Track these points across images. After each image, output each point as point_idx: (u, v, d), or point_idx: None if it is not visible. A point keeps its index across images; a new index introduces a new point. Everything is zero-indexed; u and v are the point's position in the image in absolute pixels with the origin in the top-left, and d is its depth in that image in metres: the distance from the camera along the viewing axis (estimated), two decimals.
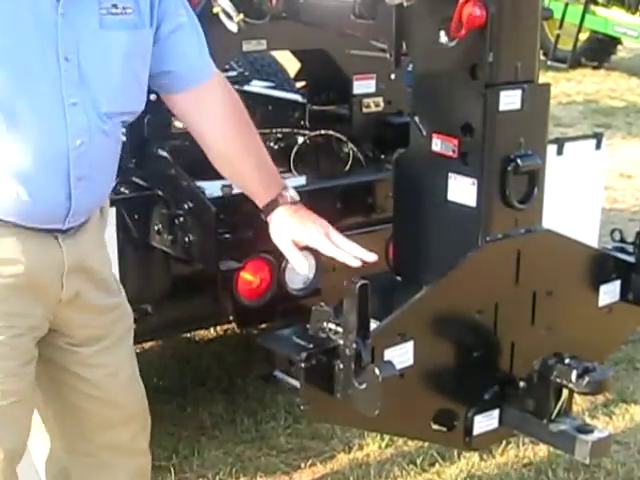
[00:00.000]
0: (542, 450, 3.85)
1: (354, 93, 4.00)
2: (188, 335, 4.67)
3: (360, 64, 3.89)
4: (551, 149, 3.84)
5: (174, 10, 2.36)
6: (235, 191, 3.33)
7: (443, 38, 2.39)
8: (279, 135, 4.01)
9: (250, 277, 3.39)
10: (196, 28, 2.44)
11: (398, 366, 2.27)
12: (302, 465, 3.82)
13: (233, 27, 3.34)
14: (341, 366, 2.24)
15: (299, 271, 2.44)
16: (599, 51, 12.86)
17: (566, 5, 12.08)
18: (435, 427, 2.55)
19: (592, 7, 12.27)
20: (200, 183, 3.40)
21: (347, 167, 3.94)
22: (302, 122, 4.15)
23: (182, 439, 3.95)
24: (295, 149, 3.89)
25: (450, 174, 2.51)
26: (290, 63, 5.59)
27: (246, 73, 5.37)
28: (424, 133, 2.57)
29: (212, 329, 4.76)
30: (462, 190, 2.49)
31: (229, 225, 3.34)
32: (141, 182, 3.53)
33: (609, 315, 2.78)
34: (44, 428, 2.56)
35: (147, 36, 2.32)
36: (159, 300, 3.54)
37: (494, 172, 2.46)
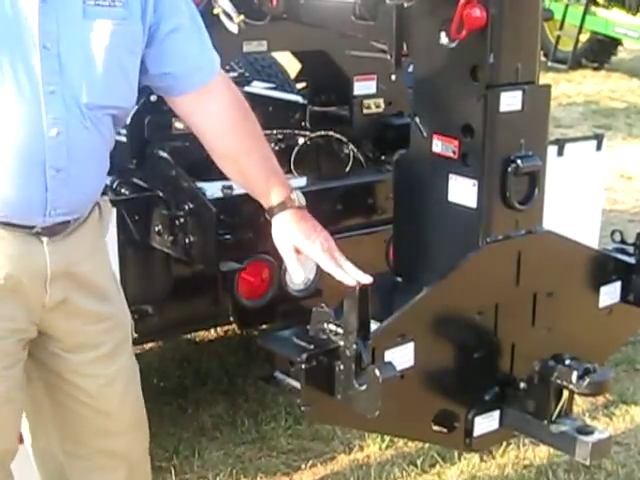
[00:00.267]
0: (542, 451, 3.85)
1: (354, 94, 4.00)
2: (189, 336, 4.66)
3: (361, 65, 3.89)
4: (552, 150, 3.83)
5: (173, 10, 2.33)
6: (235, 192, 3.33)
7: (444, 39, 2.39)
8: (279, 136, 4.00)
9: (250, 278, 3.39)
10: (198, 29, 2.40)
11: (399, 367, 2.27)
12: (303, 466, 3.81)
13: (234, 28, 3.34)
14: (341, 367, 2.25)
15: (294, 280, 2.43)
16: (599, 52, 12.86)
17: (566, 6, 12.09)
18: (436, 428, 2.55)
19: (593, 8, 12.27)
20: (200, 184, 3.40)
21: (347, 168, 3.94)
22: (303, 123, 4.15)
23: (183, 440, 3.94)
24: (295, 150, 3.89)
25: (451, 175, 2.52)
26: (291, 64, 5.59)
27: (246, 74, 5.37)
28: (425, 134, 2.57)
29: (212, 330, 4.75)
30: (463, 191, 2.50)
31: (229, 226, 3.33)
32: (141, 183, 3.53)
33: (609, 316, 2.78)
34: (42, 427, 2.54)
35: (135, 29, 2.28)
36: (160, 301, 3.54)
37: (495, 173, 2.47)
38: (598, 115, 10.51)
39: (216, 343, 4.78)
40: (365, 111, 4.02)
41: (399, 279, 2.73)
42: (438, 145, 2.53)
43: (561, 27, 12.22)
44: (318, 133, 3.99)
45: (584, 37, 12.51)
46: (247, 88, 4.54)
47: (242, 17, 3.34)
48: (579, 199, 4.23)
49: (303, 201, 2.44)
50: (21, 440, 2.54)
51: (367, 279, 2.27)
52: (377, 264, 3.19)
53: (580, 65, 12.75)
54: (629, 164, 8.33)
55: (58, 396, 2.47)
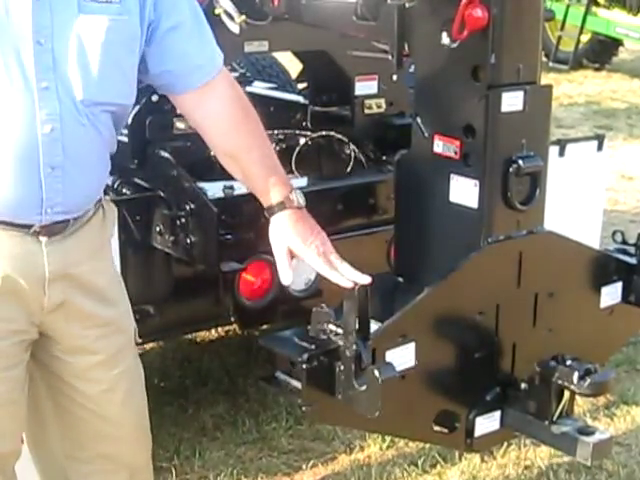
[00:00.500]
0: (543, 452, 3.85)
1: (356, 94, 4.00)
2: (189, 336, 4.66)
3: (362, 65, 3.89)
4: (553, 150, 3.83)
5: (174, 8, 2.32)
6: (236, 192, 3.33)
7: (445, 39, 2.39)
8: (281, 136, 4.00)
9: (251, 278, 3.40)
10: (199, 27, 2.39)
11: (399, 367, 2.27)
12: (303, 466, 3.81)
13: (235, 28, 3.34)
14: (342, 367, 2.24)
15: (282, 281, 2.42)
16: (601, 52, 12.86)
17: (568, 6, 12.10)
18: (436, 428, 2.55)
19: (594, 8, 12.27)
20: (202, 184, 3.40)
21: (349, 168, 3.94)
22: (304, 123, 4.15)
23: (183, 440, 3.94)
24: (297, 150, 3.89)
25: (452, 175, 2.52)
26: (292, 64, 5.59)
27: (248, 74, 5.37)
28: (426, 134, 2.57)
29: (213, 330, 4.75)
30: (464, 191, 2.49)
31: (230, 226, 3.34)
32: (143, 183, 3.53)
33: (610, 317, 2.78)
34: (43, 430, 2.53)
35: (132, 26, 2.26)
36: (160, 301, 3.54)
37: (496, 173, 2.46)
38: (599, 115, 10.51)
39: (217, 343, 4.78)
40: (366, 111, 4.02)
41: (400, 279, 2.73)
42: (439, 145, 2.53)
43: (562, 27, 12.23)
44: (319, 133, 3.99)
45: (585, 37, 12.51)
46: (248, 88, 4.54)
47: (243, 17, 3.35)
48: (580, 199, 4.23)
49: (303, 201, 2.43)
50: (22, 440, 2.53)
51: (365, 279, 2.27)
52: (378, 264, 3.19)
53: (581, 65, 12.75)
54: (630, 164, 8.32)
55: (59, 399, 2.46)
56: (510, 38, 2.42)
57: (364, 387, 2.20)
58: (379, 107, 4.05)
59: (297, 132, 4.03)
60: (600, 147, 4.33)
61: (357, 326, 2.20)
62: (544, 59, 11.08)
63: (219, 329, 4.73)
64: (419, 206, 2.63)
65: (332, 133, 3.99)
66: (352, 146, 3.96)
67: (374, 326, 2.28)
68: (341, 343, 2.24)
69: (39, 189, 2.19)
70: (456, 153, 2.49)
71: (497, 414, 2.57)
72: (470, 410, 2.55)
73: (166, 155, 3.50)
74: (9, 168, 2.16)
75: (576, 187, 4.17)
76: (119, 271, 2.64)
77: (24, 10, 2.13)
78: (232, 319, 3.56)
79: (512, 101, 2.44)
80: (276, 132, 3.96)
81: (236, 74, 5.01)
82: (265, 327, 3.85)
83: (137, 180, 3.54)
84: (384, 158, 4.00)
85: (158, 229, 3.45)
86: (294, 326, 2.41)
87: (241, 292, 3.39)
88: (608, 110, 10.81)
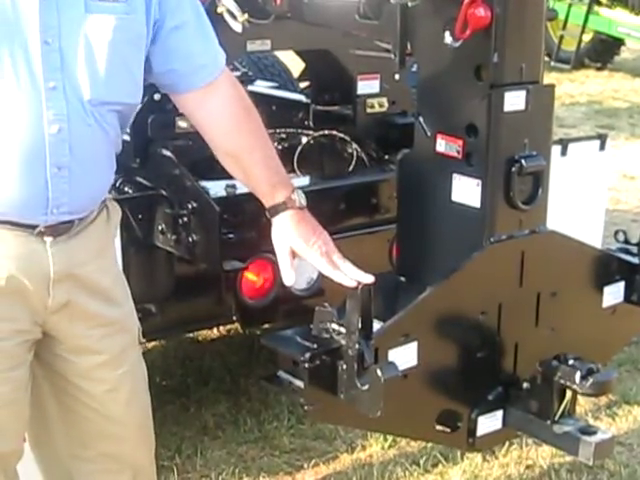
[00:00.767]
0: (545, 451, 3.85)
1: (358, 93, 3.99)
2: (191, 335, 4.66)
3: (364, 64, 3.88)
4: (555, 150, 3.83)
5: (178, 7, 2.32)
6: (239, 191, 3.33)
7: (448, 38, 2.39)
8: (283, 135, 4.01)
9: (254, 277, 3.39)
10: (203, 27, 2.39)
11: (402, 367, 2.27)
12: (305, 465, 3.81)
13: (237, 27, 3.34)
14: (344, 367, 2.24)
15: (285, 282, 2.42)
16: (603, 52, 12.85)
17: (570, 6, 12.08)
18: (439, 428, 2.55)
19: (596, 8, 12.27)
20: (204, 183, 3.40)
21: (351, 167, 3.94)
22: (306, 122, 4.14)
23: (185, 439, 3.95)
24: (299, 149, 3.89)
25: (454, 175, 2.51)
26: (294, 63, 5.59)
27: (250, 73, 5.37)
28: (428, 133, 2.57)
29: (215, 329, 4.75)
30: (466, 191, 2.49)
31: (233, 225, 3.33)
32: (145, 182, 3.53)
33: (613, 316, 2.78)
34: (46, 429, 2.53)
35: (138, 24, 2.26)
36: (162, 300, 3.54)
37: (498, 173, 2.46)
38: (601, 115, 10.50)
39: (219, 342, 4.78)
40: (368, 110, 4.02)
41: (402, 279, 2.73)
42: (442, 145, 2.53)
43: (564, 27, 12.22)
44: (321, 132, 3.99)
45: (587, 37, 12.51)
46: (250, 87, 4.54)
47: (246, 16, 3.34)
48: (582, 199, 4.23)
49: (304, 201, 2.43)
50: (24, 439, 2.53)
51: (368, 279, 2.27)
52: (380, 264, 3.19)
53: (583, 65, 12.74)
54: (632, 164, 8.32)
55: (63, 398, 2.45)
56: (513, 37, 2.42)
57: (366, 386, 2.20)
58: (381, 106, 4.04)
59: (299, 131, 4.03)
60: (602, 147, 4.33)
61: (360, 325, 2.20)
62: (546, 58, 11.08)
63: (221, 328, 4.73)
64: (421, 205, 2.63)
65: (334, 132, 3.98)
66: (354, 145, 3.96)
67: (376, 325, 2.28)
68: (344, 342, 2.24)
69: (45, 189, 2.19)
70: (458, 152, 2.49)
71: (499, 413, 2.57)
72: (472, 409, 2.55)
73: (168, 154, 3.50)
74: (16, 168, 2.16)
75: (578, 186, 4.17)
76: (121, 270, 2.64)
77: (31, 10, 2.13)
78: (234, 318, 3.56)
79: (515, 100, 2.44)
80: (278, 131, 3.96)
81: (238, 73, 5.00)
82: (267, 326, 3.85)
83: (139, 179, 3.54)
84: (386, 157, 4.00)
85: (160, 228, 3.45)
86: (296, 325, 2.41)
87: (243, 291, 3.38)
88: (610, 110, 10.80)
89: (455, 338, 2.48)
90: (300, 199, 2.42)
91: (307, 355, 2.25)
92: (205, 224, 3.33)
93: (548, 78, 2.60)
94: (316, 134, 3.99)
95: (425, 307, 2.40)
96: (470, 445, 2.60)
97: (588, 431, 2.44)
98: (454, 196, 2.52)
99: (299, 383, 2.30)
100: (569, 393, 2.45)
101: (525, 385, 2.52)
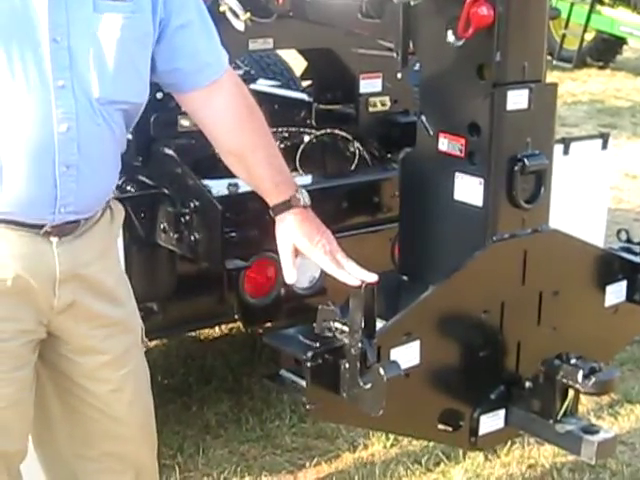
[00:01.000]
0: (547, 450, 3.84)
1: (360, 92, 3.99)
2: (193, 334, 4.66)
3: (366, 63, 3.88)
4: (557, 149, 3.83)
5: (182, 6, 2.33)
6: (241, 190, 3.33)
7: (450, 37, 2.39)
8: (285, 134, 4.00)
9: (256, 276, 3.39)
10: (207, 26, 2.40)
11: (404, 365, 2.27)
12: (307, 464, 3.81)
13: (240, 25, 3.34)
14: (347, 365, 2.25)
15: (287, 280, 2.42)
16: (605, 51, 12.85)
17: (572, 5, 12.08)
18: (441, 427, 2.55)
19: (598, 7, 12.27)
20: (206, 181, 3.40)
21: (353, 166, 3.94)
22: (308, 121, 4.14)
23: (187, 438, 3.95)
24: (301, 148, 3.89)
25: (457, 173, 2.51)
26: (296, 62, 5.59)
27: (252, 72, 5.37)
28: (431, 132, 2.57)
29: (217, 328, 4.75)
30: (469, 190, 2.49)
31: (235, 224, 3.33)
32: (147, 180, 3.53)
33: (615, 315, 2.78)
34: (49, 430, 2.53)
35: (145, 22, 2.27)
36: (164, 299, 3.54)
37: (501, 172, 2.46)
38: (603, 114, 10.50)
39: (221, 341, 4.78)
40: (371, 109, 4.01)
41: (404, 278, 2.73)
42: (444, 143, 2.53)
43: (566, 26, 12.21)
44: (324, 131, 3.99)
45: (589, 36, 12.51)
46: (252, 86, 4.54)
47: (248, 15, 3.34)
48: (585, 198, 4.23)
49: (308, 200, 2.44)
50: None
51: (372, 278, 2.27)
52: (382, 262, 3.19)
53: (585, 64, 12.74)
54: (634, 163, 8.32)
55: (68, 398, 2.45)
56: (515, 36, 2.42)
57: (369, 385, 2.20)
58: (383, 105, 4.04)
59: (301, 130, 4.03)
60: (604, 145, 4.33)
61: (363, 324, 2.20)
62: (548, 57, 11.07)
63: (223, 327, 4.73)
64: (423, 204, 2.63)
65: (336, 131, 3.98)
66: (356, 144, 3.96)
67: (378, 324, 2.28)
68: (346, 341, 2.24)
69: (54, 188, 2.19)
70: (461, 151, 2.49)
71: (501, 413, 2.57)
72: (474, 408, 2.55)
73: (170, 152, 3.49)
74: (24, 167, 2.16)
75: (580, 185, 4.17)
76: (123, 269, 2.64)
77: (41, 8, 2.13)
78: (236, 317, 3.56)
79: (517, 99, 2.44)
80: (280, 130, 3.96)
81: (240, 72, 5.00)
82: (269, 325, 3.85)
83: (141, 177, 3.53)
84: (388, 156, 4.00)
85: (162, 227, 3.45)
86: (298, 324, 2.41)
87: (245, 290, 3.39)
88: (612, 109, 10.80)
89: (457, 337, 2.48)
90: (304, 198, 2.42)
91: (309, 354, 2.25)
92: (207, 223, 3.33)
93: (550, 77, 2.60)
94: (318, 133, 3.99)
95: (427, 306, 2.40)
96: (472, 444, 2.60)
97: (590, 430, 2.44)
98: (456, 195, 2.52)
99: (301, 382, 2.30)
100: (571, 392, 2.45)
101: (527, 384, 2.52)
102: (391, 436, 3.88)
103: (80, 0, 2.18)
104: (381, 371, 2.17)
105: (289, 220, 2.41)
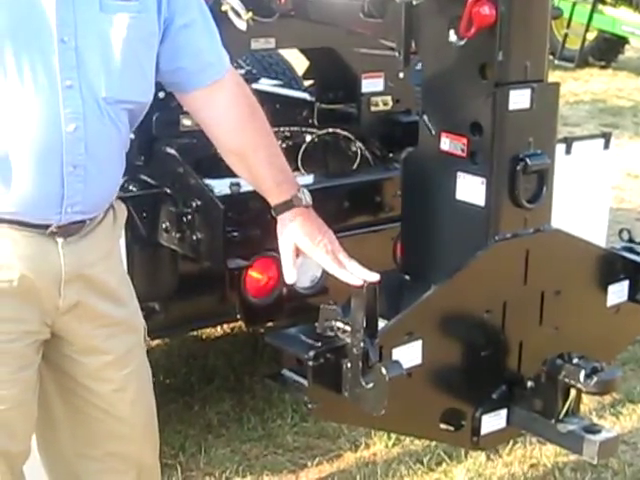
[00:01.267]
0: (549, 450, 3.84)
1: (362, 91, 3.99)
2: (195, 333, 4.67)
3: (369, 62, 3.89)
4: (559, 148, 3.83)
5: (186, 6, 2.34)
6: (243, 189, 3.33)
7: (452, 37, 2.39)
8: (287, 133, 4.01)
9: (258, 275, 3.39)
10: (209, 25, 2.40)
11: (406, 365, 2.27)
12: (309, 464, 3.82)
13: (242, 25, 3.34)
14: (349, 365, 2.24)
15: (287, 280, 2.43)
16: (607, 50, 12.86)
17: (574, 4, 12.07)
18: (443, 426, 2.55)
19: (600, 6, 12.27)
20: (208, 181, 3.40)
21: (355, 166, 3.94)
22: (310, 120, 4.15)
23: (189, 437, 3.95)
24: (303, 147, 3.89)
25: (459, 173, 2.51)
26: (298, 61, 5.59)
27: (254, 71, 5.37)
28: (433, 132, 2.57)
29: (219, 327, 4.75)
30: (471, 189, 2.49)
31: (237, 223, 3.33)
32: (149, 180, 3.53)
33: (617, 315, 2.78)
34: (52, 430, 2.53)
35: (151, 21, 2.28)
36: (166, 298, 3.54)
37: (503, 171, 2.46)
38: (605, 114, 10.50)
39: (223, 340, 4.79)
40: (373, 108, 4.02)
41: (407, 277, 2.73)
42: (446, 143, 2.53)
43: (568, 25, 12.20)
44: (325, 130, 3.99)
45: (591, 35, 12.51)
46: (254, 85, 4.54)
47: (250, 14, 3.34)
48: (587, 197, 4.23)
49: (310, 200, 2.44)
50: None
51: (374, 277, 2.27)
52: (384, 262, 3.18)
53: (587, 63, 12.75)
54: (636, 162, 8.32)
55: (71, 398, 2.45)
56: (518, 35, 2.42)
57: (371, 385, 2.20)
58: (385, 104, 4.04)
59: (303, 129, 4.03)
60: (606, 145, 4.33)
61: (365, 324, 2.20)
62: (550, 57, 11.06)
63: (225, 326, 4.73)
64: (426, 204, 2.63)
65: (338, 130, 3.98)
66: (358, 143, 3.96)
67: (380, 324, 2.28)
68: (348, 341, 2.24)
69: (61, 188, 2.20)
70: (463, 151, 2.49)
71: (503, 412, 2.57)
72: (476, 408, 2.55)
73: (172, 152, 3.50)
74: (31, 167, 2.16)
75: (582, 185, 4.17)
76: (125, 268, 2.64)
77: (48, 8, 2.14)
78: (238, 316, 3.56)
79: (519, 99, 2.44)
80: (282, 129, 3.96)
81: (242, 71, 5.00)
82: (271, 324, 3.85)
83: (143, 177, 3.54)
84: (390, 155, 4.00)
85: (164, 226, 3.45)
86: (300, 323, 2.41)
87: (247, 289, 3.38)
88: (614, 108, 10.80)
89: (459, 337, 2.48)
90: (306, 197, 2.42)
91: (311, 353, 2.25)
92: (209, 222, 3.33)
93: (552, 77, 2.60)
94: (320, 132, 3.99)
95: (429, 306, 2.40)
96: (474, 444, 2.60)
97: (592, 430, 2.44)
98: (458, 194, 2.52)
99: (303, 381, 2.30)
100: (573, 392, 2.44)
101: (529, 384, 2.51)
102: (393, 435, 3.88)
103: (87, 0, 2.19)
104: (383, 371, 2.17)
105: (291, 219, 2.41)
